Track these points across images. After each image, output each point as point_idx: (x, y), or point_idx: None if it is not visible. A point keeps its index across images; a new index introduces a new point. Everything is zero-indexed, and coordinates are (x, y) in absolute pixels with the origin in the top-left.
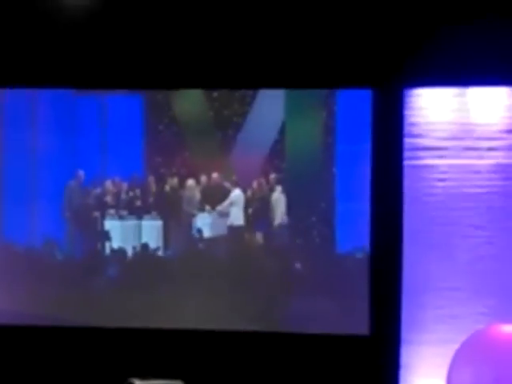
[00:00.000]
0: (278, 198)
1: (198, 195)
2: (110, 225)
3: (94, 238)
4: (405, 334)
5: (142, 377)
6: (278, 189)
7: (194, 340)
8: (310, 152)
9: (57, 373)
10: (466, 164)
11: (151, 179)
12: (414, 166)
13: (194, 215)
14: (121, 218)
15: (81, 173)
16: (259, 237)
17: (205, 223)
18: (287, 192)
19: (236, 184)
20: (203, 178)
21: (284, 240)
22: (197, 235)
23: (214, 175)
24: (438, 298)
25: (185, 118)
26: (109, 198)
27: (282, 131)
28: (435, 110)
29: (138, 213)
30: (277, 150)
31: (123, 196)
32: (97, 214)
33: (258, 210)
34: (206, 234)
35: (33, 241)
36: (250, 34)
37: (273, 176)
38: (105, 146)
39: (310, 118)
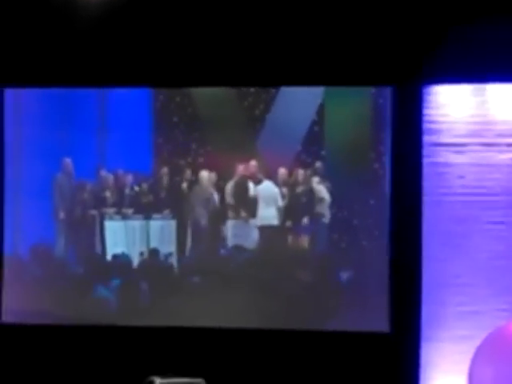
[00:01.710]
0: (318, 190)
1: (214, 191)
2: (111, 226)
3: (92, 243)
4: (425, 330)
5: (163, 375)
6: (315, 180)
7: (214, 338)
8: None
9: (77, 371)
10: (486, 160)
11: (164, 171)
12: (434, 163)
13: (215, 214)
14: (124, 217)
15: (67, 161)
16: (301, 239)
17: (230, 226)
18: (329, 184)
19: (265, 176)
20: (226, 172)
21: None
22: (221, 240)
23: (240, 168)
24: (458, 294)
25: (205, 106)
26: (108, 194)
27: (319, 116)
28: (454, 106)
29: (146, 211)
30: (313, 135)
31: (127, 191)
32: (94, 212)
33: (293, 205)
34: (232, 238)
35: (18, 247)
36: (273, 34)
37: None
38: (103, 135)
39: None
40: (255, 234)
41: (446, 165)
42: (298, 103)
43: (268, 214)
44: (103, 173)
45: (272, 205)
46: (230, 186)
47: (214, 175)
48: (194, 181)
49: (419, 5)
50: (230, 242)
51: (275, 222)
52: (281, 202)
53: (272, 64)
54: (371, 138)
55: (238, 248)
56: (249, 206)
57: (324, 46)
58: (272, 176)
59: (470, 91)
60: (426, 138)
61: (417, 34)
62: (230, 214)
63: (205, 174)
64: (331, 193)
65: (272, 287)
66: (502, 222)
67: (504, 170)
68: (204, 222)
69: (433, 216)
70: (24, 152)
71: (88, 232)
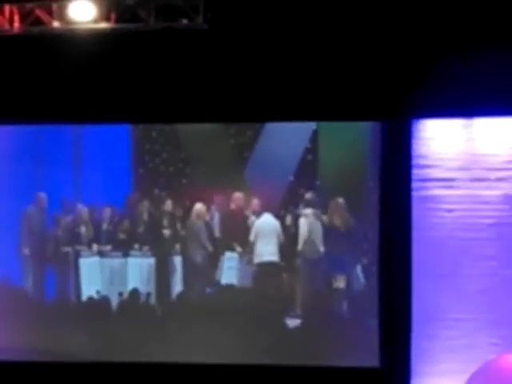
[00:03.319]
0: (311, 223)
1: (204, 225)
2: (87, 264)
3: (64, 282)
4: (415, 365)
5: None
6: (308, 212)
7: (197, 374)
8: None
9: None
10: (475, 194)
11: (144, 204)
12: (423, 197)
13: (205, 250)
14: (101, 254)
15: (42, 195)
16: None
17: (227, 264)
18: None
19: (262, 209)
20: (216, 204)
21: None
22: (209, 278)
23: (236, 195)
24: (448, 328)
25: (192, 141)
26: (83, 229)
27: (313, 145)
28: (443, 140)
29: (124, 248)
30: (307, 165)
31: (104, 226)
32: (68, 249)
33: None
34: (222, 276)
35: None
36: (264, 71)
37: (306, 196)
38: (78, 169)
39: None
40: (249, 272)
41: (435, 199)
42: (290, 131)
43: (266, 250)
44: (78, 207)
45: (272, 240)
46: (221, 220)
47: (203, 208)
48: (178, 214)
49: (406, 40)
50: (220, 279)
51: (275, 258)
52: (282, 237)
53: (260, 99)
54: (364, 169)
55: (228, 287)
56: (244, 240)
57: (313, 81)
58: (267, 208)
59: (458, 125)
60: (415, 172)
61: (405, 68)
62: (222, 249)
63: (197, 207)
64: (322, 223)
65: (262, 325)
66: (491, 257)
67: (493, 204)
68: (196, 258)
69: (422, 250)
70: None
71: (62, 270)
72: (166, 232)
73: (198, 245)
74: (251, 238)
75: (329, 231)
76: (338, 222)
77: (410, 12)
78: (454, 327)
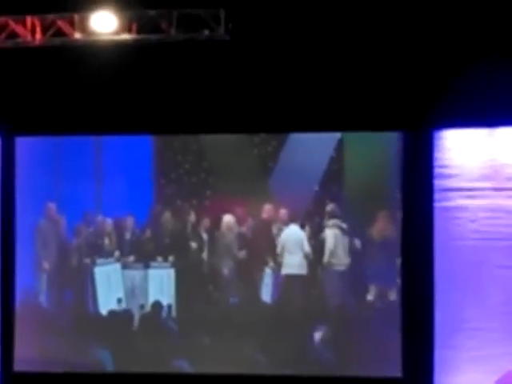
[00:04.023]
0: (336, 234)
1: (235, 237)
2: (108, 273)
3: (86, 294)
4: (437, 375)
5: None
6: (334, 223)
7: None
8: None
9: None
10: (497, 204)
11: (166, 215)
12: (445, 208)
13: (236, 262)
14: (124, 266)
15: (51, 206)
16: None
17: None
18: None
19: (288, 220)
20: (243, 215)
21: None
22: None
23: (266, 207)
24: (471, 339)
25: (215, 151)
26: (106, 241)
27: (338, 154)
28: (465, 150)
29: (145, 260)
30: (332, 175)
31: (127, 237)
32: (89, 260)
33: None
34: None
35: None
36: (289, 82)
37: (331, 207)
38: (100, 180)
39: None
40: (277, 284)
41: (458, 209)
42: (314, 140)
43: (292, 262)
44: (101, 218)
45: (297, 251)
46: (252, 232)
47: (233, 219)
48: (202, 225)
49: (429, 53)
50: (259, 294)
51: (301, 270)
52: (307, 248)
53: (284, 110)
54: (387, 179)
55: (254, 297)
56: (271, 252)
57: (338, 92)
58: (292, 219)
59: (480, 135)
60: (437, 183)
61: (427, 80)
62: (254, 262)
63: (227, 219)
64: (349, 237)
65: (288, 337)
66: None
67: None
68: (224, 269)
69: (444, 260)
70: (20, 198)
71: (83, 281)
72: (190, 243)
73: (228, 257)
74: (278, 249)
75: (365, 242)
76: (377, 233)
77: (432, 25)
78: (477, 337)
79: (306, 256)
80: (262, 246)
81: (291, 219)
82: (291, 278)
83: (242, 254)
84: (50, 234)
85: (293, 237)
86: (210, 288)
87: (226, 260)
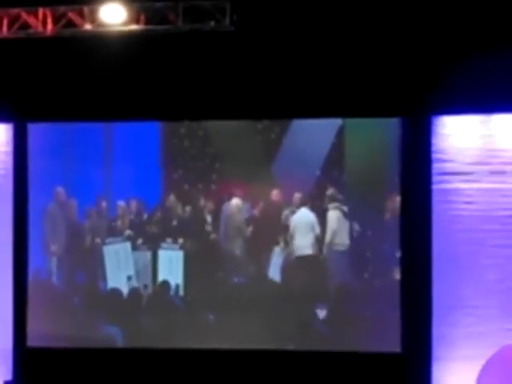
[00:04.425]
0: (338, 216)
1: (244, 219)
2: (118, 252)
3: (97, 272)
4: (435, 351)
5: None
6: (335, 205)
7: (227, 359)
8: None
9: None
10: (492, 188)
11: (174, 199)
12: (442, 190)
13: (246, 242)
14: (134, 247)
15: (59, 190)
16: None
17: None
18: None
19: (295, 204)
20: (250, 199)
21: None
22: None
23: (274, 192)
24: (467, 315)
25: (220, 137)
26: (119, 223)
27: (339, 140)
28: (462, 136)
29: (154, 241)
30: (334, 160)
31: (136, 220)
32: (100, 240)
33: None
34: (272, 272)
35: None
36: (291, 71)
37: (332, 191)
38: (110, 166)
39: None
40: (288, 264)
41: (455, 192)
42: (316, 127)
43: (304, 243)
44: (108, 203)
45: (308, 233)
46: (261, 214)
47: (241, 202)
48: (209, 208)
49: (427, 40)
50: (267, 273)
51: (311, 251)
52: (318, 230)
53: (287, 97)
54: (387, 164)
55: (271, 280)
56: (282, 233)
57: (339, 79)
58: (296, 203)
59: (476, 121)
60: (435, 166)
61: (425, 67)
62: (262, 242)
63: (235, 201)
64: (350, 219)
65: (290, 313)
66: (508, 246)
67: (510, 197)
68: (236, 250)
69: (442, 241)
70: (32, 182)
71: (94, 262)
72: (198, 226)
73: (239, 238)
74: (290, 231)
75: (365, 225)
76: (376, 216)
77: (431, 14)
78: (473, 314)
79: (317, 238)
80: (272, 228)
81: (302, 203)
82: (301, 258)
83: (251, 234)
84: (58, 216)
85: (304, 219)
86: (218, 267)
87: (235, 241)
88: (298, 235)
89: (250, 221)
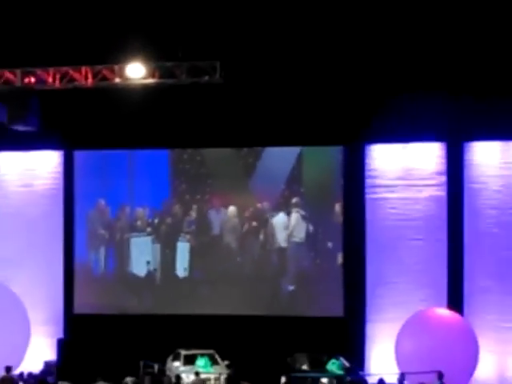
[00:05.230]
0: (297, 217)
1: (238, 222)
2: (140, 244)
3: (125, 258)
4: (368, 315)
5: (187, 348)
6: (296, 210)
7: (221, 322)
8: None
9: (132, 346)
10: (408, 197)
11: (179, 206)
12: (373, 199)
13: (238, 238)
14: (152, 241)
15: (101, 201)
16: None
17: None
18: (304, 214)
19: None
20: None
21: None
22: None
23: (258, 204)
24: (391, 289)
25: (212, 160)
26: (138, 223)
27: (299, 163)
28: (387, 159)
29: (168, 236)
30: (294, 177)
31: (152, 221)
32: (127, 235)
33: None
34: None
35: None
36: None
37: (294, 200)
38: (132, 182)
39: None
40: (267, 253)
41: (382, 200)
42: (281, 153)
43: (280, 238)
44: (131, 208)
45: (283, 230)
46: (246, 219)
47: (235, 210)
48: (204, 212)
49: (362, 90)
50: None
51: (284, 244)
52: (291, 228)
53: (261, 131)
54: (334, 180)
55: (246, 261)
56: (263, 230)
57: (298, 120)
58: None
59: (398, 148)
60: (367, 182)
61: (360, 110)
62: (250, 238)
63: (231, 209)
64: (306, 219)
65: (262, 288)
66: (420, 239)
67: (421, 202)
68: (231, 243)
69: (373, 235)
70: (77, 195)
71: (122, 251)
72: (199, 225)
73: (234, 235)
74: (269, 229)
75: (317, 224)
76: (326, 218)
77: (361, 67)
78: (395, 288)
79: (289, 234)
80: (257, 227)
81: (275, 209)
82: (276, 249)
83: (243, 231)
84: (97, 219)
85: (279, 220)
86: (217, 255)
87: (233, 237)
88: (277, 232)
89: (242, 222)
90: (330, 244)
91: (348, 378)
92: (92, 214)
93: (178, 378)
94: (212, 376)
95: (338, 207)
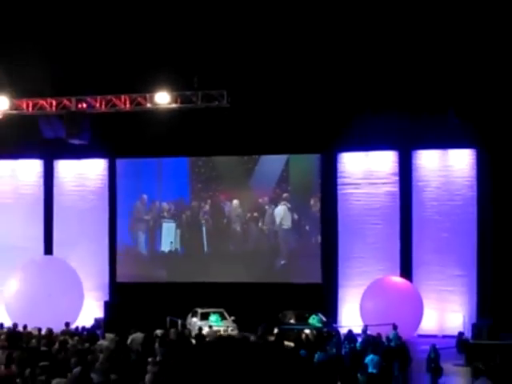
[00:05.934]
0: (285, 209)
1: (241, 212)
2: (167, 228)
3: (156, 239)
4: (340, 281)
5: (202, 307)
6: (284, 203)
7: (224, 289)
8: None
9: (160, 306)
10: (370, 192)
11: (196, 201)
12: (343, 194)
13: (243, 224)
14: (177, 226)
15: (143, 196)
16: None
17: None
18: (291, 206)
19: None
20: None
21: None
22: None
23: (260, 199)
24: (357, 262)
25: (221, 166)
26: (165, 213)
27: (287, 167)
28: (354, 163)
29: (190, 223)
30: (283, 178)
31: (176, 212)
32: (158, 222)
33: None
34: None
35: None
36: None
37: (283, 196)
38: (161, 183)
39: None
40: (260, 235)
41: (350, 194)
42: (273, 160)
43: (274, 224)
44: (160, 202)
45: (276, 219)
46: (250, 210)
47: (238, 203)
48: (215, 205)
49: (334, 106)
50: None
51: (276, 229)
52: (288, 217)
53: (258, 143)
54: (313, 180)
55: (249, 243)
56: (267, 219)
57: (285, 135)
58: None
59: (362, 155)
60: (339, 181)
61: (332, 124)
62: (252, 224)
63: (235, 202)
64: (292, 210)
65: (259, 262)
66: (379, 223)
67: (380, 196)
68: (237, 228)
69: (344, 221)
70: (119, 192)
71: (153, 234)
72: (212, 215)
73: (239, 222)
74: (268, 217)
75: (301, 214)
76: (308, 209)
77: (329, 87)
78: (360, 262)
79: (280, 222)
80: (256, 216)
81: (272, 202)
82: (273, 232)
83: (246, 219)
84: (139, 211)
85: (280, 210)
86: (225, 237)
87: (239, 224)
88: (271, 220)
89: (246, 212)
90: (310, 228)
91: (325, 329)
92: (134, 206)
93: (200, 329)
94: (222, 328)
95: (316, 200)
